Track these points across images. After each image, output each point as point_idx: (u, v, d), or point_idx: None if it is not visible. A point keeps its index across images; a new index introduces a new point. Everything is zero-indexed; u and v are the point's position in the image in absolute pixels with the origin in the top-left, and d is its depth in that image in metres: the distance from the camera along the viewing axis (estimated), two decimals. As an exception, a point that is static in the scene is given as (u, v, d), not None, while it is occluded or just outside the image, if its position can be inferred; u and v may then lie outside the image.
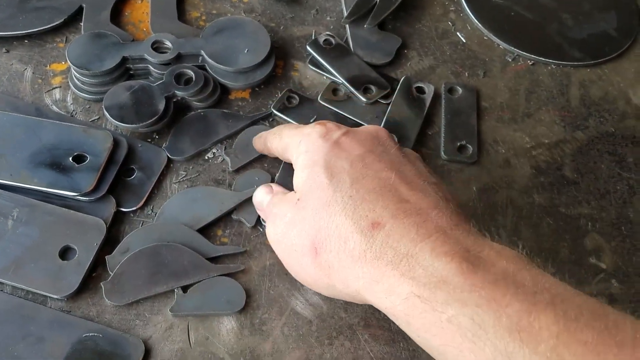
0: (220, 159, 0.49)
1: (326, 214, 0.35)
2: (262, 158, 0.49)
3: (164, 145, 0.48)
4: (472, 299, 0.29)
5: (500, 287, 0.29)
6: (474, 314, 0.28)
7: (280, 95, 0.53)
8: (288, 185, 0.47)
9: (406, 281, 0.31)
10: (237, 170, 0.48)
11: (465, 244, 0.32)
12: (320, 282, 0.36)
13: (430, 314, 0.30)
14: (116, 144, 0.46)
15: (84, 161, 0.45)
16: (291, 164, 0.48)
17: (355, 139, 0.38)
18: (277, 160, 0.48)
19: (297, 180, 0.38)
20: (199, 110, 0.51)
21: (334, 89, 0.54)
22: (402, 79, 0.54)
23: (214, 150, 0.49)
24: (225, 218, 0.46)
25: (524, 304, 0.28)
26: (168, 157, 0.48)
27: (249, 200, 0.46)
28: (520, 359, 0.27)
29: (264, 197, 0.42)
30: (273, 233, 0.39)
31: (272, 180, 0.48)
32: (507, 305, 0.28)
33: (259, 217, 0.46)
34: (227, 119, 0.50)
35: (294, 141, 0.40)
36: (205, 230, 0.45)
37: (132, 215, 0.45)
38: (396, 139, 0.42)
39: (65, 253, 0.42)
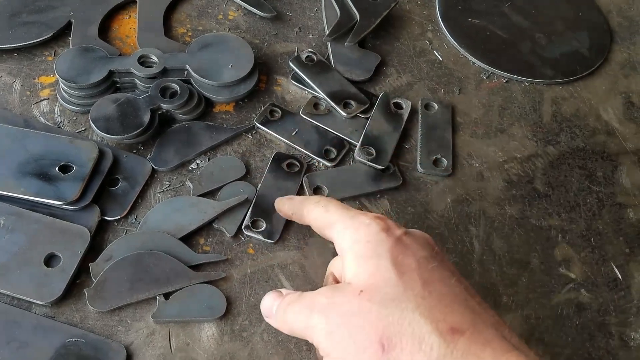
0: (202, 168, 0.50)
1: (397, 309, 0.32)
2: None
3: (148, 156, 0.50)
4: None
5: None
6: None
7: (263, 109, 0.54)
8: (272, 196, 0.48)
9: None
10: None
11: None
12: None
13: None
14: (101, 154, 0.48)
15: (70, 171, 0.46)
16: (274, 175, 0.50)
17: (416, 241, 0.37)
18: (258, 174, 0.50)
19: (357, 270, 0.36)
20: (184, 123, 0.52)
21: (315, 103, 0.56)
22: (380, 95, 0.56)
23: (198, 161, 0.51)
24: (207, 227, 0.47)
25: None
26: (152, 167, 0.49)
27: (230, 210, 0.48)
28: None
29: (272, 302, 0.39)
30: (325, 323, 0.34)
31: (256, 191, 0.49)
32: None
33: (239, 226, 0.47)
34: (211, 131, 0.52)
35: (347, 224, 0.38)
36: (188, 239, 0.46)
37: (116, 224, 0.46)
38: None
39: (50, 260, 0.43)
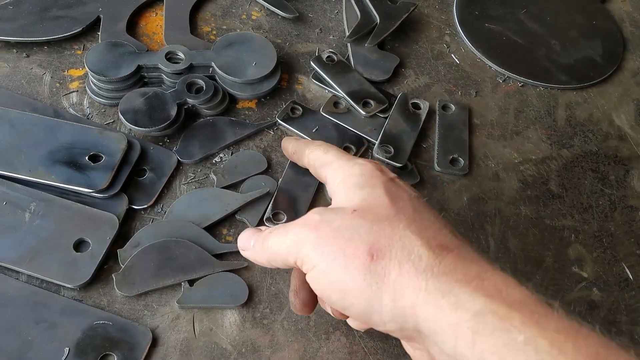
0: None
1: (389, 227, 0.34)
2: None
3: (174, 148, 0.51)
4: (550, 324, 0.28)
5: (575, 322, 0.29)
6: (554, 338, 0.28)
7: (284, 106, 0.56)
8: (292, 191, 0.50)
9: (479, 297, 0.30)
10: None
11: (529, 290, 0.32)
12: (365, 292, 0.33)
13: (504, 333, 0.29)
14: (130, 145, 0.49)
15: (100, 161, 0.48)
16: (295, 170, 0.51)
17: (407, 184, 0.39)
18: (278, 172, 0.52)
19: (351, 196, 0.37)
20: (208, 117, 0.54)
21: (335, 102, 0.57)
22: (399, 95, 0.58)
23: (221, 155, 0.52)
24: (230, 218, 0.49)
25: (601, 339, 0.28)
26: (178, 159, 0.51)
27: (252, 203, 0.49)
28: None
29: (250, 236, 0.40)
30: (316, 236, 0.35)
31: (277, 185, 0.51)
32: (585, 337, 0.28)
33: (261, 217, 0.49)
34: (234, 127, 0.53)
35: (344, 163, 0.40)
36: (211, 229, 0.48)
37: (142, 212, 0.48)
38: None
39: (79, 245, 0.45)
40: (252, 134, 0.54)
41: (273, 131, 0.55)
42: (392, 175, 0.39)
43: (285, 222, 0.48)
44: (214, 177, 0.50)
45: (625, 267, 0.52)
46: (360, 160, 0.40)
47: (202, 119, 0.54)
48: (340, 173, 0.39)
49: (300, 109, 0.56)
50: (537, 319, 0.29)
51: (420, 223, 0.34)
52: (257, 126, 0.54)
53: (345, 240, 0.34)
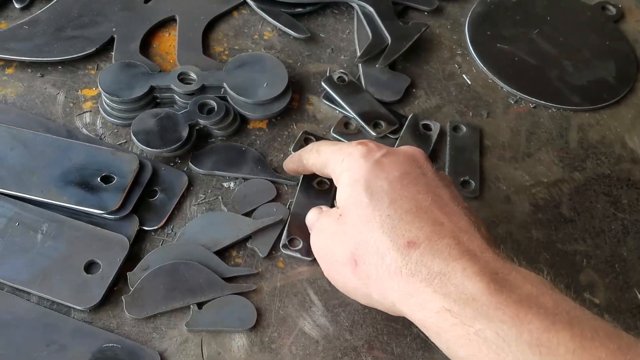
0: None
1: (365, 229, 0.38)
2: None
3: (185, 168, 0.52)
4: (497, 315, 0.32)
5: (523, 307, 0.32)
6: (499, 328, 0.31)
7: (298, 137, 0.55)
8: (305, 214, 0.49)
9: (438, 297, 0.34)
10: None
11: (494, 267, 0.34)
12: (359, 291, 0.39)
13: (460, 327, 0.33)
14: (141, 166, 0.50)
15: (111, 182, 0.48)
16: (306, 193, 0.51)
17: (395, 160, 0.40)
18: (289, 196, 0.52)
19: (339, 196, 0.41)
20: (240, 145, 0.54)
21: (345, 122, 0.57)
22: (410, 116, 0.58)
23: (231, 183, 0.52)
24: (240, 241, 0.48)
25: (544, 322, 0.31)
26: (188, 180, 0.51)
27: (264, 230, 0.49)
28: None
29: (314, 216, 0.45)
30: (316, 244, 0.43)
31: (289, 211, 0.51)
32: (528, 322, 0.31)
33: (272, 245, 0.48)
34: (256, 165, 0.53)
35: (335, 158, 0.43)
36: (221, 252, 0.47)
37: (153, 234, 0.48)
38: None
39: (89, 267, 0.45)
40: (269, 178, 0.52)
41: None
42: (378, 155, 0.41)
43: (302, 247, 0.48)
44: (224, 209, 0.50)
45: (638, 294, 0.51)
46: (348, 149, 0.42)
47: (228, 142, 0.54)
48: (337, 171, 0.42)
49: (313, 139, 0.55)
50: (485, 313, 0.32)
51: (393, 217, 0.37)
52: (276, 176, 0.52)
53: (335, 247, 0.40)
